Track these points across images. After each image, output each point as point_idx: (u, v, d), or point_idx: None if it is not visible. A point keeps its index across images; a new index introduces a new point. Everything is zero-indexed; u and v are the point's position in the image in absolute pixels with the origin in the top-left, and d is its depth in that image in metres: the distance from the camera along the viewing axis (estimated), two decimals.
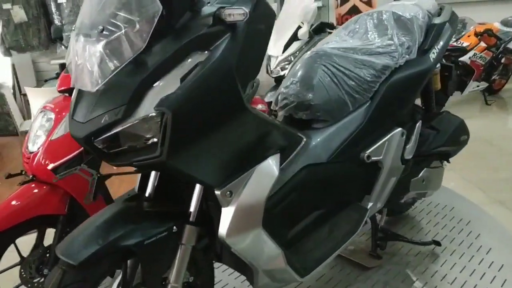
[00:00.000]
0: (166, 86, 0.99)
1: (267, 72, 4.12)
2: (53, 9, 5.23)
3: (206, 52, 1.03)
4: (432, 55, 1.68)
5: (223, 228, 1.14)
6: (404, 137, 1.64)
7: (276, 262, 1.26)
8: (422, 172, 1.84)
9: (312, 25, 4.43)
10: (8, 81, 5.15)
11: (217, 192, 1.12)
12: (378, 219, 1.88)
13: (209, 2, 1.08)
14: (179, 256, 1.15)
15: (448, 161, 1.99)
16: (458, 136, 1.91)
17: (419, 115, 1.76)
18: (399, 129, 1.62)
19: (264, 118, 1.20)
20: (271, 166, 1.18)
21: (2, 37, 5.30)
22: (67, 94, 1.74)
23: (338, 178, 1.52)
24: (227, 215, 1.14)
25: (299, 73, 1.55)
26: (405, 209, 2.25)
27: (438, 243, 1.95)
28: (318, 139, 1.49)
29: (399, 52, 1.61)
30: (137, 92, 0.98)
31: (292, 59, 4.36)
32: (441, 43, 1.72)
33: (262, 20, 1.10)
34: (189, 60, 1.01)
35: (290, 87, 1.54)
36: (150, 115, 0.98)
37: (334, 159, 1.49)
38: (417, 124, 1.70)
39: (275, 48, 4.46)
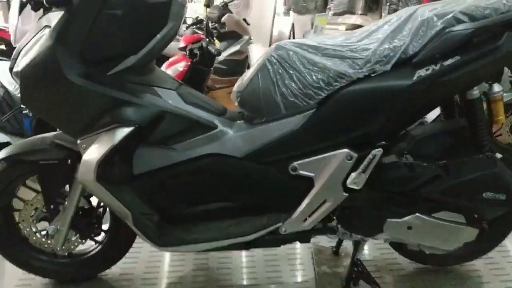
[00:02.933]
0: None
1: None
2: None
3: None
4: (423, 72, 1.28)
5: (80, 175, 1.40)
6: (352, 161, 1.37)
7: (126, 220, 1.42)
8: (408, 217, 1.45)
9: None
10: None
11: (78, 142, 1.39)
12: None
13: None
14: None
15: (482, 224, 1.46)
16: (477, 189, 1.38)
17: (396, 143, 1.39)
18: (346, 150, 1.36)
19: (103, 92, 1.33)
20: (110, 136, 1.33)
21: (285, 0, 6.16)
22: None
23: (252, 178, 1.45)
24: (82, 165, 1.38)
25: (257, 61, 1.49)
26: (448, 262, 1.76)
27: None
28: (239, 133, 1.45)
29: (365, 59, 1.32)
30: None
31: None
32: (451, 59, 1.27)
33: (111, 4, 1.25)
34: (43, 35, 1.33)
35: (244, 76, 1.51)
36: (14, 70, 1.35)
37: (251, 158, 1.43)
38: (374, 152, 1.35)
39: None
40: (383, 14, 4.63)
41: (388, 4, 4.52)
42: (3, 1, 6.69)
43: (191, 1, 6.99)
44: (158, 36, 1.35)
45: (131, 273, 1.80)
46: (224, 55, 4.18)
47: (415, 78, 1.29)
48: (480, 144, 1.44)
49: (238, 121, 1.50)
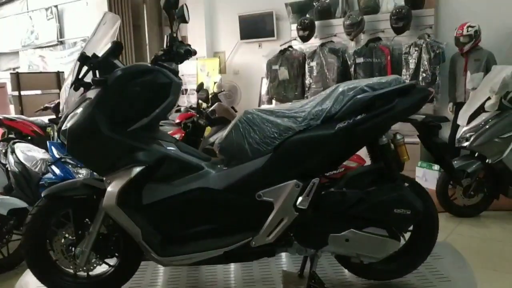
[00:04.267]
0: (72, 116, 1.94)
1: None
2: (307, 71, 6.51)
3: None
4: (341, 124, 1.89)
5: (104, 202, 1.93)
6: (299, 188, 1.93)
7: (136, 237, 1.93)
8: (345, 232, 1.97)
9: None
10: None
11: (104, 179, 1.94)
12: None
13: None
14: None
15: (398, 234, 1.99)
16: (390, 207, 1.93)
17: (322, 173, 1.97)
18: (294, 180, 1.93)
19: (124, 142, 1.91)
20: (128, 173, 1.89)
21: (268, 89, 6.98)
22: None
23: (229, 205, 1.99)
24: (107, 195, 1.92)
25: (232, 122, 2.10)
26: (384, 277, 2.24)
27: None
28: (220, 172, 2.02)
29: (303, 117, 1.93)
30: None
31: (476, 131, 4.22)
32: (360, 116, 1.89)
33: (130, 83, 1.88)
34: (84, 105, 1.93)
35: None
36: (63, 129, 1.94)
37: (229, 189, 1.98)
38: (313, 181, 1.92)
39: (461, 118, 4.41)
40: None
41: None
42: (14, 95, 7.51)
43: (186, 94, 7.87)
44: (163, 105, 1.97)
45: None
46: (214, 137, 4.84)
47: (336, 129, 1.91)
48: (392, 177, 2.02)
49: (219, 165, 2.07)
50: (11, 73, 7.70)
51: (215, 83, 6.47)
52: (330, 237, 1.99)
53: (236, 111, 5.79)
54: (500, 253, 3.17)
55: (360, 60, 5.50)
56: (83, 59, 1.95)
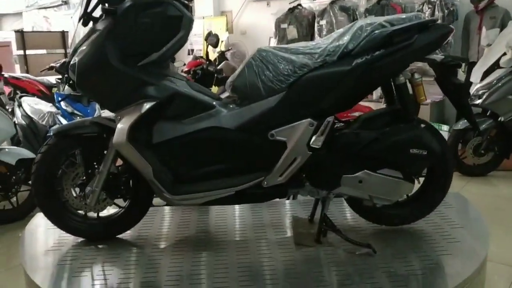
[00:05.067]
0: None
1: None
2: (316, 30, 6.39)
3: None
4: (358, 60, 1.83)
5: (114, 139, 1.89)
6: (313, 127, 1.88)
7: (147, 175, 1.90)
8: (359, 173, 1.94)
9: None
10: None
11: (114, 115, 1.90)
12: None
13: None
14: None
15: (413, 177, 1.96)
16: (405, 147, 1.89)
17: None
18: (308, 119, 1.89)
19: (135, 75, 1.86)
20: (139, 108, 1.85)
21: None
22: None
23: (241, 145, 1.95)
24: (117, 131, 1.88)
25: (245, 60, 2.04)
26: (395, 222, 2.21)
27: (373, 250, 1.96)
28: (232, 111, 1.98)
29: (319, 53, 1.87)
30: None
31: (489, 88, 4.15)
32: (378, 51, 1.82)
33: (142, 15, 1.81)
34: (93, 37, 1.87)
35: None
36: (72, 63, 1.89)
37: (241, 129, 1.94)
38: (328, 120, 1.87)
39: (474, 75, 4.32)
40: None
41: None
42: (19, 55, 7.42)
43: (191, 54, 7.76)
44: (173, 40, 1.91)
45: (145, 237, 2.25)
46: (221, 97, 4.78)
47: (353, 65, 1.84)
48: (408, 118, 1.97)
49: (231, 104, 2.03)
50: (15, 32, 7.60)
51: (222, 41, 6.37)
52: (343, 178, 1.96)
53: None
54: (509, 210, 3.15)
55: None
56: None
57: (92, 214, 2.16)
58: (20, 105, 4.34)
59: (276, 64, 1.92)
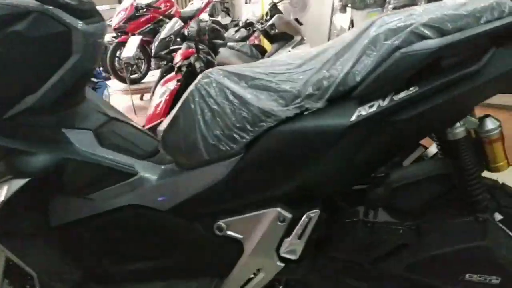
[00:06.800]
0: None
1: None
2: None
3: None
4: (364, 110, 0.93)
5: None
6: (285, 224, 1.05)
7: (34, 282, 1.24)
8: None
9: None
10: None
11: None
12: None
13: None
14: None
15: None
16: (458, 269, 0.98)
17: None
18: (277, 209, 1.05)
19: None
20: (5, 189, 1.14)
21: None
22: None
23: (179, 235, 1.20)
24: None
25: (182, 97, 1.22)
26: None
27: None
28: (163, 181, 1.20)
29: (294, 93, 0.99)
30: None
31: None
32: (406, 92, 0.90)
33: None
34: None
35: None
36: None
37: (177, 212, 1.18)
38: (310, 214, 1.02)
39: None
40: None
41: None
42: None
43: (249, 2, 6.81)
44: (60, 71, 1.15)
45: None
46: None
47: (353, 118, 0.95)
48: (470, 199, 1.04)
49: (166, 166, 1.25)
50: None
51: None
52: None
53: (301, 24, 4.79)
54: None
55: None
56: None
57: None
58: None
59: (225, 108, 1.08)
